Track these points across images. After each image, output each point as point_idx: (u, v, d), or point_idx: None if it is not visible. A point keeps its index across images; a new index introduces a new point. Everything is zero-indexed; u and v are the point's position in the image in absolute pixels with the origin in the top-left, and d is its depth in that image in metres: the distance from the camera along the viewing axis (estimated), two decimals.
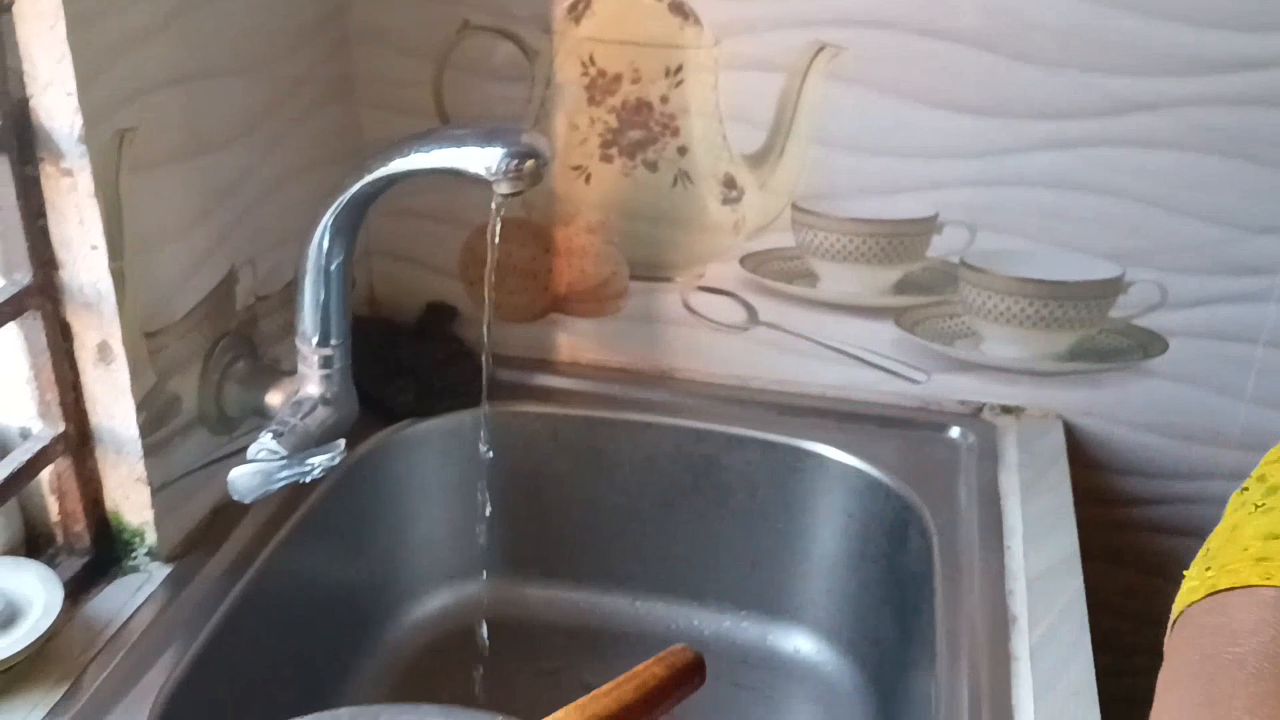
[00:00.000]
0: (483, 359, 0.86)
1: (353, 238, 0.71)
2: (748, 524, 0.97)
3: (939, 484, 0.88)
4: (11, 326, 0.67)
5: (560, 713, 0.50)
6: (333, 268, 0.70)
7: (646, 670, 0.52)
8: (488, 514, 0.90)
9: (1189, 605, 0.44)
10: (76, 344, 0.69)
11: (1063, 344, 0.92)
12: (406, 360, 0.97)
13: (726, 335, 0.97)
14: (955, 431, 0.93)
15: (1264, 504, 0.46)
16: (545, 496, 0.99)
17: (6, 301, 0.65)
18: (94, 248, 0.66)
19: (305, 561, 0.84)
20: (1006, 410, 0.95)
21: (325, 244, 0.68)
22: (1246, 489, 0.47)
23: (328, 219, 0.68)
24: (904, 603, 0.87)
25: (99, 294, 0.67)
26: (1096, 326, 0.90)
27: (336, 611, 0.90)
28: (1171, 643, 0.44)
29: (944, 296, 0.92)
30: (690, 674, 0.53)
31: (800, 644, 0.97)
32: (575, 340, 1.00)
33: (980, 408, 0.95)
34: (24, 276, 0.66)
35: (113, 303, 0.68)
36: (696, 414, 0.96)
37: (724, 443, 0.95)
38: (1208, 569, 0.44)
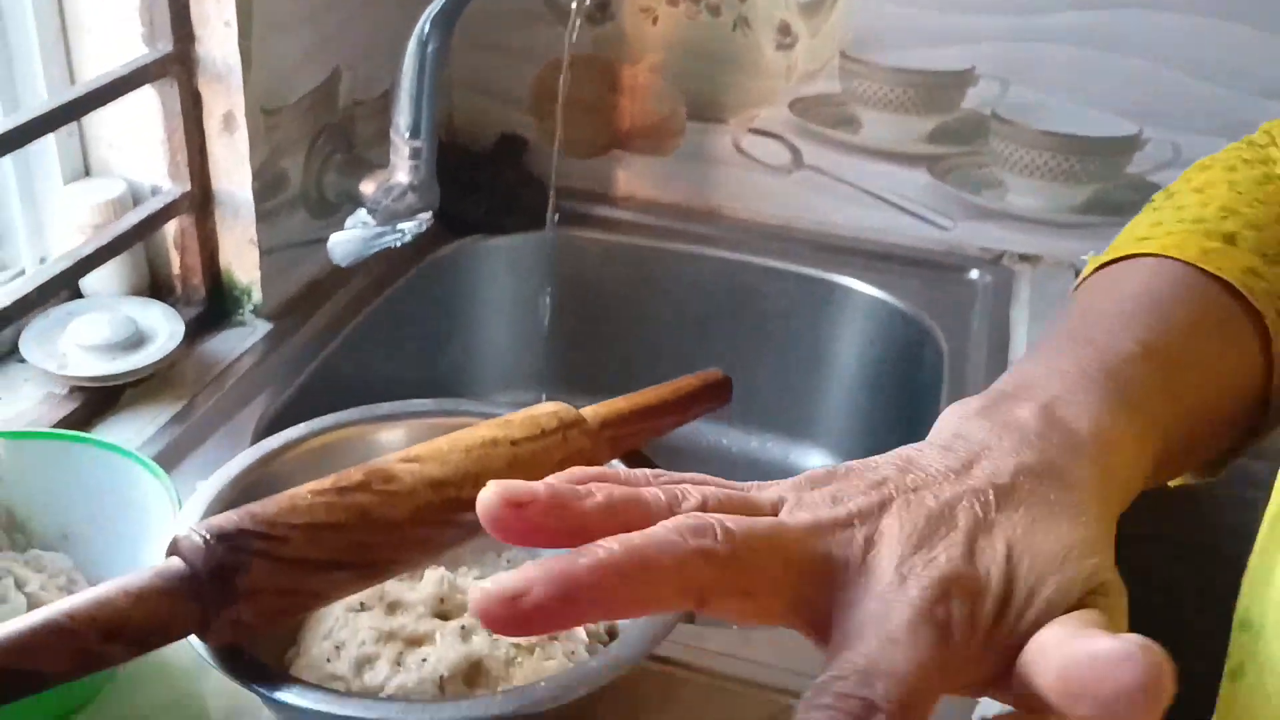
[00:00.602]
0: (551, 177, 0.96)
1: (448, 36, 0.80)
2: (780, 351, 1.06)
3: (955, 314, 0.97)
4: (150, 91, 0.78)
5: (611, 400, 0.60)
6: (429, 64, 0.79)
7: (683, 380, 0.62)
8: (546, 323, 1.01)
9: (1081, 282, 0.51)
10: (205, 112, 0.80)
11: (1080, 196, 1.00)
12: (479, 181, 1.07)
13: (772, 176, 1.06)
14: (975, 273, 1.02)
15: (1158, 206, 0.53)
16: (597, 316, 1.09)
17: (150, 65, 0.75)
18: (227, 24, 0.76)
19: (383, 342, 0.95)
20: (1024, 258, 1.03)
21: (426, 32, 0.77)
22: (1153, 200, 0.54)
23: (431, 10, 0.77)
24: (914, 419, 0.96)
25: (228, 67, 0.78)
26: (1112, 181, 0.98)
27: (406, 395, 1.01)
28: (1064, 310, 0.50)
29: (974, 147, 1.00)
30: (719, 388, 0.63)
31: (818, 462, 1.07)
32: (633, 176, 1.09)
33: (1001, 255, 1.03)
34: (165, 45, 0.76)
35: (239, 76, 0.78)
36: (740, 248, 1.05)
37: (763, 275, 1.04)
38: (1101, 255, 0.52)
